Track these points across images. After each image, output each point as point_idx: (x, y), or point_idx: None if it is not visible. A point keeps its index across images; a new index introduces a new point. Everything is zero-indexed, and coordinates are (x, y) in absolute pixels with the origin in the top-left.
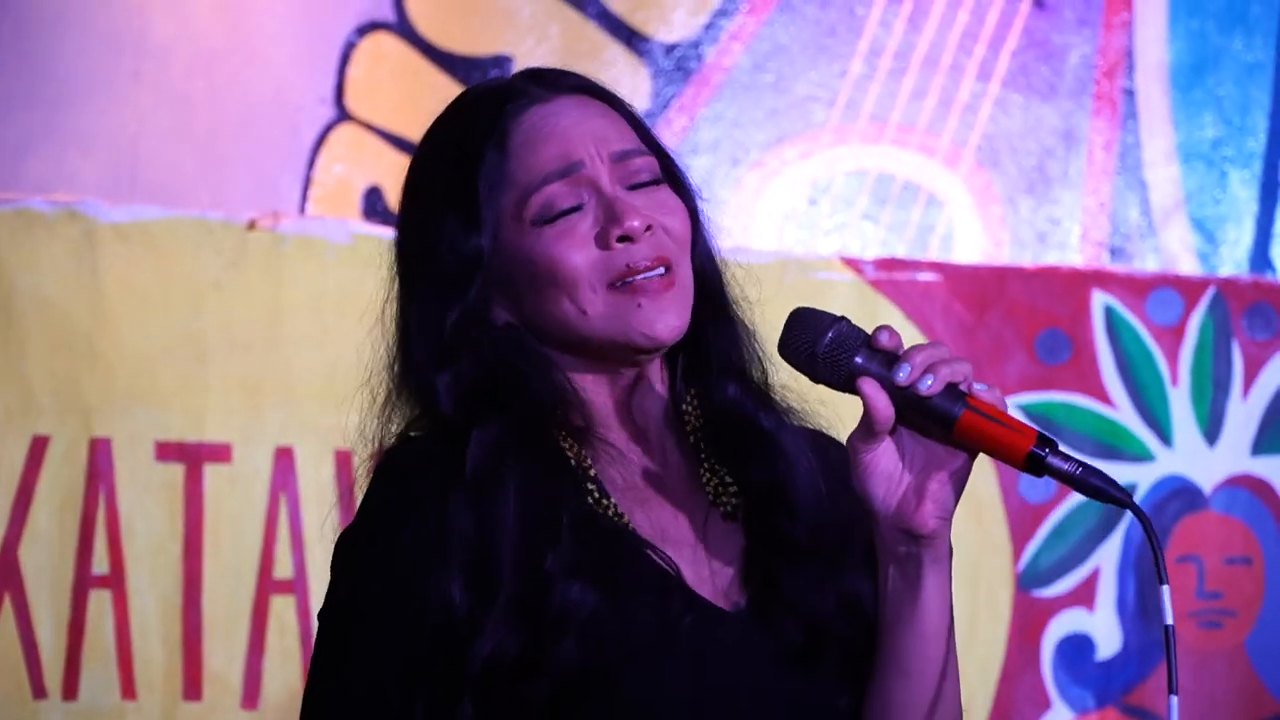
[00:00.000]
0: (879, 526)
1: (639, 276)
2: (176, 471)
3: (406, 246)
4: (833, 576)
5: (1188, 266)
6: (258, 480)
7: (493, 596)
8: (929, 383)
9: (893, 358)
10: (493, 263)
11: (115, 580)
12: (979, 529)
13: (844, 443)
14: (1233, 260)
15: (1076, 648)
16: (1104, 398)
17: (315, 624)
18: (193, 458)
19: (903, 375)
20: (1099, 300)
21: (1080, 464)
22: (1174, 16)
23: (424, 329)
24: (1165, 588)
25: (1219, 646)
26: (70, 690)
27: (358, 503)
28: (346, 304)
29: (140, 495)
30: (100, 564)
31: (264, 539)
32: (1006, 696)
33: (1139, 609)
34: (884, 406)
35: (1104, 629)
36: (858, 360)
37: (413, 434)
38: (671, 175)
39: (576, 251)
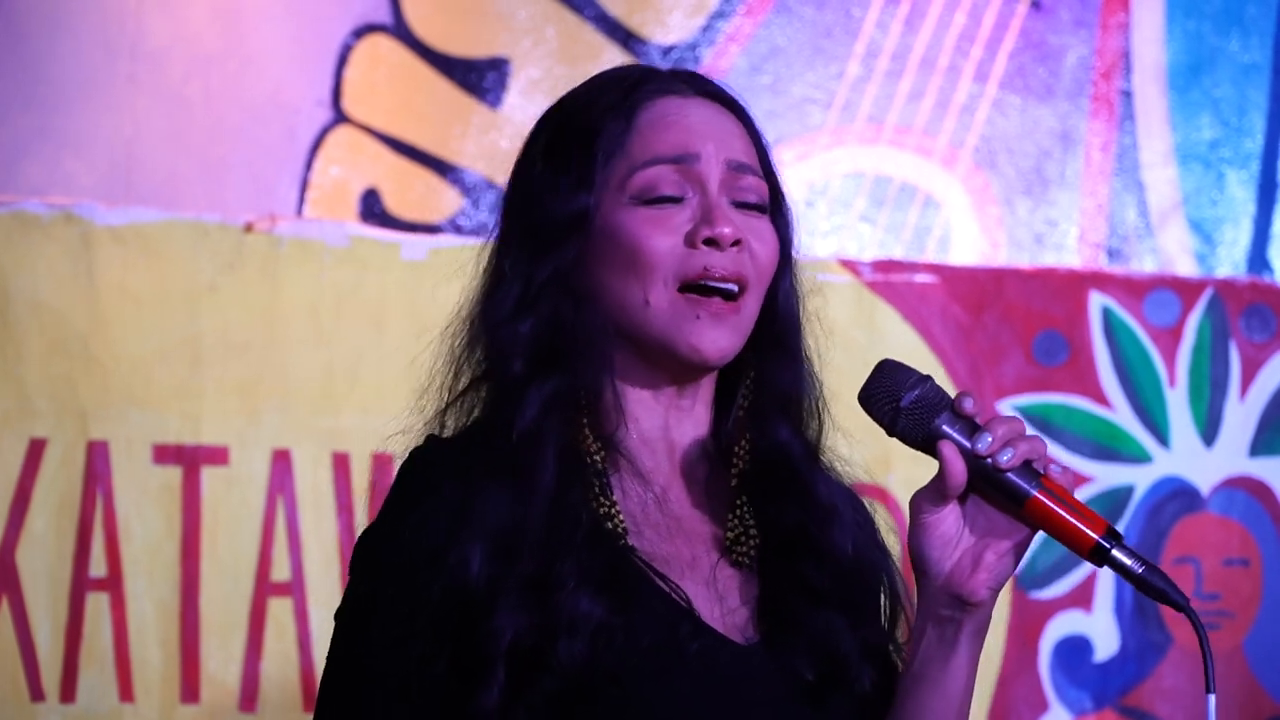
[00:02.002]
0: (927, 587)
1: (711, 282)
2: (174, 474)
3: (515, 199)
4: (850, 623)
5: (1185, 268)
6: (255, 483)
7: (511, 570)
8: (1008, 456)
9: (973, 425)
10: (590, 229)
11: (113, 583)
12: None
13: (868, 505)
14: (1230, 261)
15: (1074, 649)
16: (1101, 399)
17: (313, 626)
18: (190, 460)
19: (983, 445)
20: (1096, 301)
21: (1144, 562)
22: (1171, 18)
23: (515, 278)
24: (1212, 697)
25: (1217, 648)
26: (68, 693)
27: (365, 503)
28: (344, 306)
29: (137, 498)
30: (98, 566)
31: (261, 541)
32: (1004, 698)
33: (1136, 610)
34: (960, 472)
35: (1102, 630)
36: (940, 422)
37: (433, 435)
38: (777, 209)
39: (662, 239)
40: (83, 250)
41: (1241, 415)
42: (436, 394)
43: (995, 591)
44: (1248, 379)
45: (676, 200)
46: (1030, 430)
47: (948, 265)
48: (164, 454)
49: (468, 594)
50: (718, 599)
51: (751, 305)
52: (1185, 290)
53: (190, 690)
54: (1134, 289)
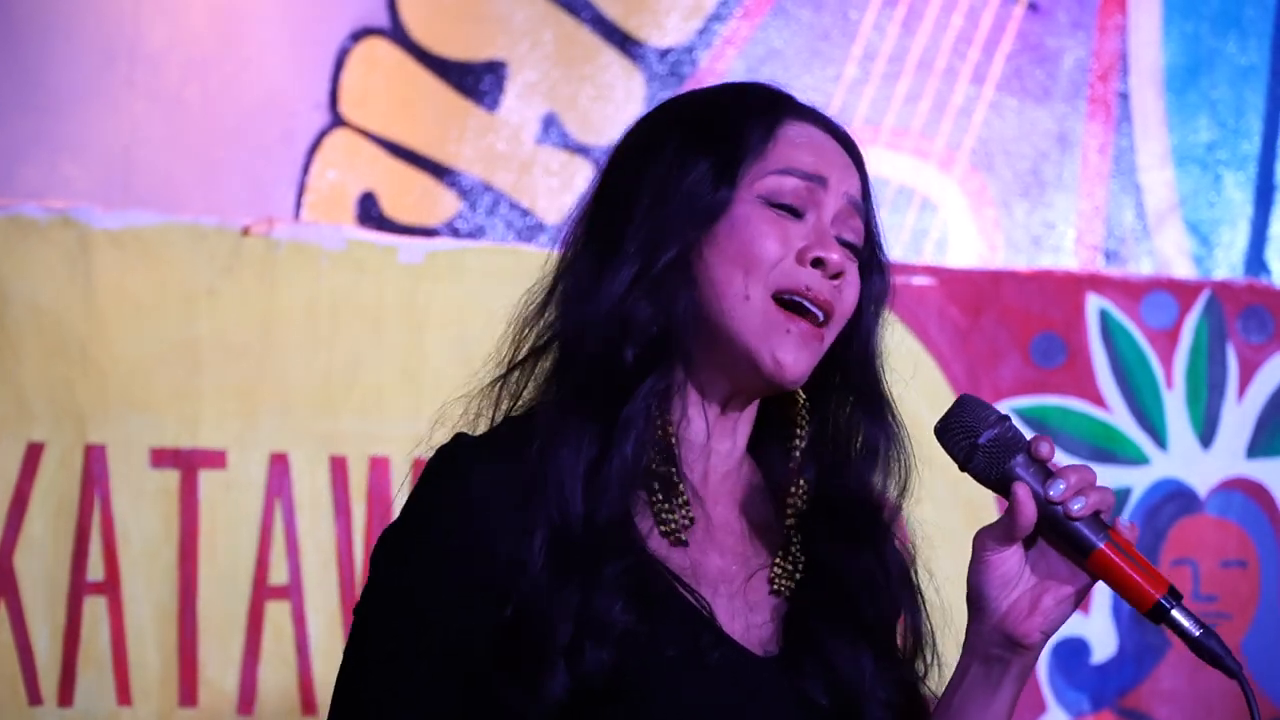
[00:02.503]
0: (980, 624)
1: (806, 301)
2: (171, 478)
3: (631, 184)
4: (870, 650)
5: (1182, 269)
6: (252, 486)
7: (563, 565)
8: (1079, 505)
9: (1046, 470)
10: (718, 218)
11: (110, 586)
12: (974, 533)
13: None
14: (1227, 263)
15: (1072, 651)
16: (1099, 401)
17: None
18: (187, 464)
19: (1055, 492)
20: (1094, 303)
21: (1202, 625)
22: (1168, 19)
23: (637, 256)
24: None
25: None
26: (66, 697)
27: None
28: (341, 309)
29: (135, 502)
30: (95, 570)
31: (259, 545)
32: None
33: (1134, 613)
34: (1030, 514)
35: (1099, 632)
36: (1014, 464)
37: (463, 432)
38: (873, 260)
39: (777, 245)
40: (80, 254)
41: (1239, 417)
42: (501, 381)
43: (1047, 636)
44: (1245, 380)
45: (798, 214)
46: (1101, 482)
47: (945, 268)
48: (162, 457)
49: (519, 586)
50: (744, 612)
51: (829, 339)
52: (1182, 292)
53: (188, 693)
54: (1131, 291)
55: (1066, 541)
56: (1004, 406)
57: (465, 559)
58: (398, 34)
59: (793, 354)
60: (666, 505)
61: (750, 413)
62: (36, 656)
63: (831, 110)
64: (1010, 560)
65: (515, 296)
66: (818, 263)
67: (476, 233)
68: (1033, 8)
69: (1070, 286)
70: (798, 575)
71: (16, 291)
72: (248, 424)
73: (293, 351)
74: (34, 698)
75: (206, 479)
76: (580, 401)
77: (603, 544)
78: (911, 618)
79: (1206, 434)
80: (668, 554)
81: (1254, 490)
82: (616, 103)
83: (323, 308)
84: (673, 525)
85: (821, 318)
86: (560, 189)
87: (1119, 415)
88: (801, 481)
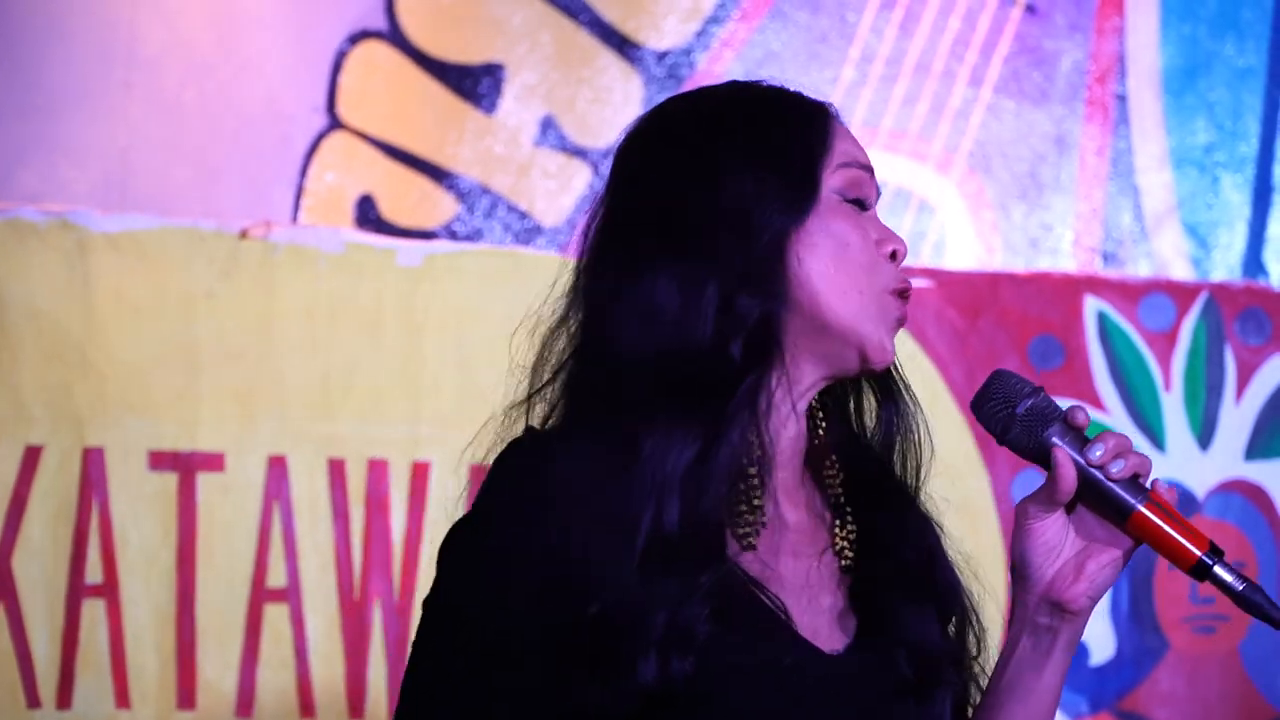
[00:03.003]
0: (1027, 594)
1: (904, 293)
2: (169, 481)
3: (712, 178)
4: (934, 612)
5: (1180, 272)
6: (251, 489)
7: (665, 558)
8: (1118, 468)
9: (1082, 438)
10: (805, 214)
11: (109, 589)
12: (973, 536)
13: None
14: (1225, 265)
15: None
16: (1097, 403)
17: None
18: (186, 467)
19: (1095, 456)
20: (1091, 306)
21: (1245, 579)
22: (1166, 21)
23: (731, 257)
24: None
25: (1212, 651)
26: (64, 700)
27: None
28: (339, 312)
29: (133, 505)
30: (94, 573)
31: (257, 548)
32: None
33: (1132, 614)
34: (1071, 479)
35: (1097, 634)
36: (1051, 431)
37: (533, 427)
38: None
39: (864, 238)
40: (78, 257)
41: (1237, 419)
42: (539, 391)
43: (1093, 602)
44: (1243, 382)
45: (865, 206)
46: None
47: (943, 270)
48: (160, 460)
49: (604, 585)
50: (814, 604)
51: None
52: (1180, 294)
53: (186, 696)
54: (1129, 293)
55: (1107, 505)
56: None
57: (546, 554)
58: (395, 37)
59: (893, 339)
60: (745, 505)
61: (807, 418)
62: (35, 659)
63: None
64: (1053, 528)
65: (514, 299)
66: (893, 255)
67: (474, 235)
68: (1030, 10)
69: (1068, 288)
70: (853, 543)
71: (14, 295)
72: (246, 427)
73: (291, 354)
74: (32, 700)
75: (205, 482)
76: (677, 402)
77: (696, 547)
78: (951, 580)
79: (1204, 436)
80: (741, 553)
81: (1252, 492)
82: (614, 105)
83: (321, 310)
84: (750, 525)
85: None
86: (558, 191)
87: (1117, 417)
88: (834, 458)
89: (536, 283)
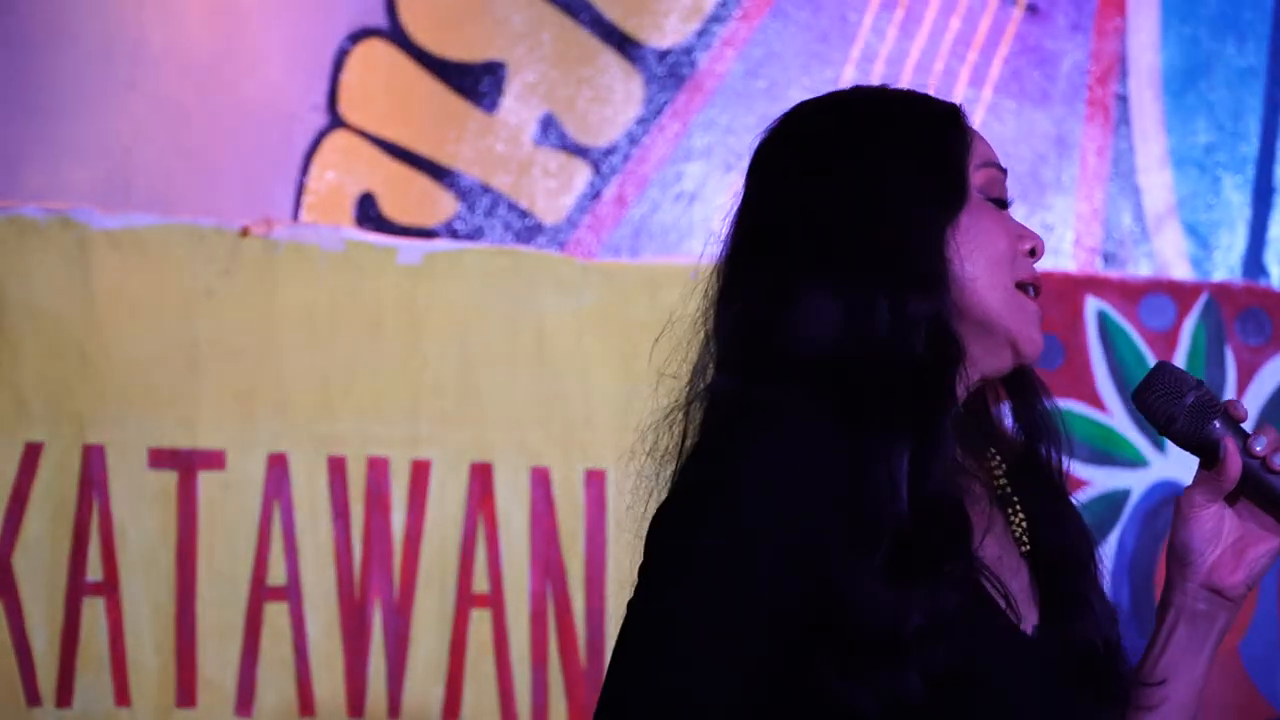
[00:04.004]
0: (1187, 581)
1: (1036, 289)
2: (170, 478)
3: (860, 184)
4: (1101, 593)
5: (1181, 272)
6: (251, 487)
7: (910, 553)
8: None
9: (1242, 430)
10: (959, 214)
11: (109, 587)
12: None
13: None
14: (1226, 265)
15: None
16: (1097, 403)
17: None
18: (186, 465)
19: (1259, 446)
20: (1092, 306)
21: None
22: (1166, 22)
23: (895, 261)
24: None
25: None
26: (64, 697)
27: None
28: (340, 310)
29: (133, 502)
30: (94, 571)
31: (257, 546)
32: None
33: (1133, 614)
34: (1237, 468)
35: None
36: (1217, 423)
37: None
38: None
39: (1008, 236)
40: (79, 255)
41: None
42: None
43: (1250, 587)
44: (1243, 383)
45: (1004, 204)
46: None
47: None
48: (160, 458)
49: (847, 577)
50: (1011, 587)
51: None
52: (1181, 294)
53: (186, 694)
54: (1129, 293)
55: (1266, 496)
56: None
57: (800, 533)
58: (396, 35)
59: (1039, 333)
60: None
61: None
62: (35, 657)
63: None
64: (1214, 517)
65: (514, 297)
66: (1031, 251)
67: (475, 234)
68: (1031, 10)
69: (1068, 288)
70: (1027, 531)
71: (15, 292)
72: (246, 425)
73: (291, 352)
74: (32, 698)
75: (205, 480)
76: (886, 403)
77: (941, 538)
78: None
79: None
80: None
81: None
82: (615, 104)
83: (321, 309)
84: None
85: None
86: (559, 190)
87: (1117, 417)
88: (994, 451)
89: (537, 281)
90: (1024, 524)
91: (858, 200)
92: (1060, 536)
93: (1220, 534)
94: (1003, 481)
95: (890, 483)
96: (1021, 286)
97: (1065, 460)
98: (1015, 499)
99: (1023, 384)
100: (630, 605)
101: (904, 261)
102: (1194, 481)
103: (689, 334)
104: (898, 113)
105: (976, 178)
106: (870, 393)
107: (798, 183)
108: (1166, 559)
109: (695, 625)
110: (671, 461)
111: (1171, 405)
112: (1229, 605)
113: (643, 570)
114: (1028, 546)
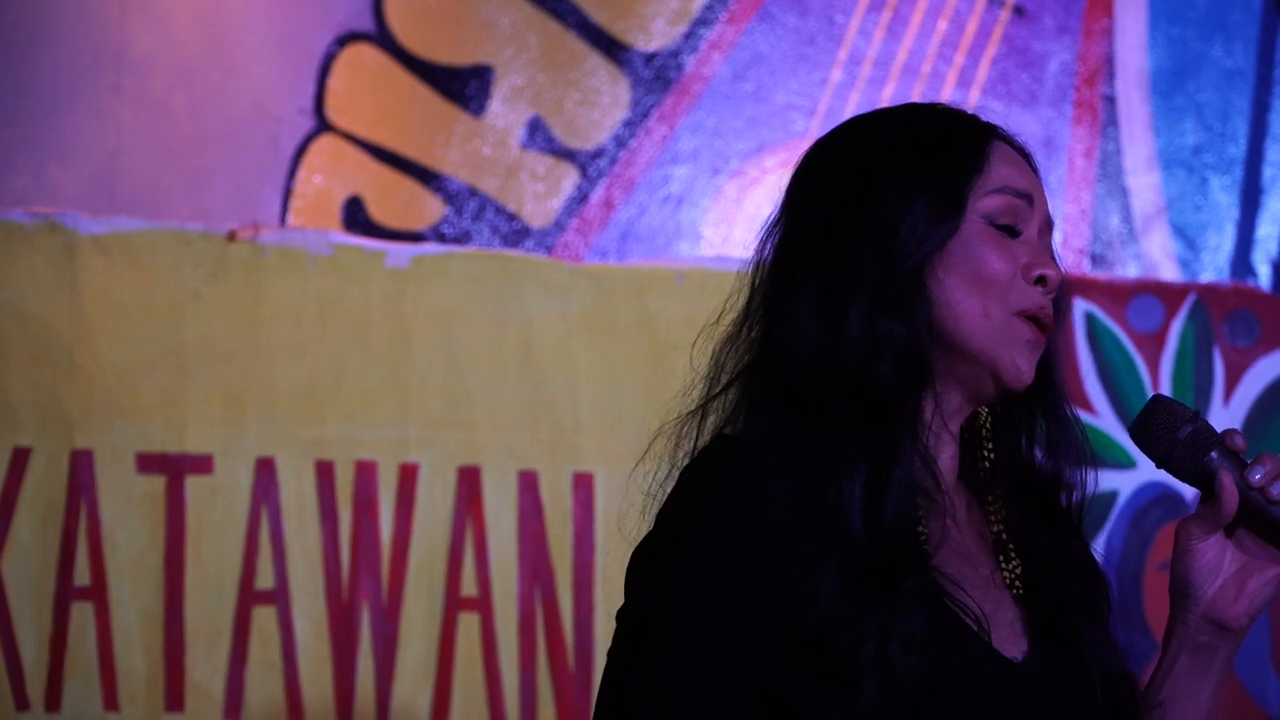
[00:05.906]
0: (1188, 613)
1: (1040, 318)
2: (158, 483)
3: (862, 201)
4: (1107, 631)
5: (1169, 273)
6: (239, 491)
7: (866, 574)
8: (1279, 489)
9: (1241, 460)
10: (950, 238)
11: (97, 592)
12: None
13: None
14: (1214, 267)
15: None
16: (1085, 404)
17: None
18: (174, 469)
19: (1257, 477)
20: (1080, 307)
21: None
22: (1154, 23)
23: (875, 278)
24: None
25: None
26: (53, 702)
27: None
28: (327, 315)
29: (122, 507)
30: (82, 576)
31: (245, 550)
32: None
33: (1122, 616)
34: (1234, 501)
35: None
36: (1214, 455)
37: (728, 432)
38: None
39: (1008, 264)
40: (66, 260)
41: (1225, 421)
42: (703, 407)
43: (1253, 619)
44: (1231, 384)
45: (1016, 233)
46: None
47: None
48: (148, 463)
49: (818, 596)
50: (993, 614)
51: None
52: (1169, 296)
53: (175, 699)
54: (1117, 294)
55: (1265, 526)
56: None
57: (770, 556)
58: (383, 39)
59: (1028, 361)
60: (923, 518)
61: (957, 423)
62: (23, 662)
63: (817, 114)
64: (1214, 548)
65: (501, 301)
66: (1040, 280)
67: (462, 237)
68: (1019, 12)
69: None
70: (1017, 566)
71: (2, 297)
72: (234, 429)
73: (279, 356)
74: (21, 703)
75: (193, 484)
76: (845, 422)
77: (897, 559)
78: (1110, 604)
79: None
80: (938, 563)
81: None
82: (602, 107)
83: (309, 313)
84: (930, 537)
85: (1045, 330)
86: (546, 193)
87: (1105, 419)
88: (997, 494)
89: (524, 285)
90: (1017, 571)
91: (847, 216)
92: (1067, 584)
93: (1220, 566)
94: (998, 529)
95: (845, 505)
96: (1024, 314)
97: (1089, 483)
98: (1011, 546)
99: (1044, 405)
100: (610, 653)
101: (882, 281)
102: (1193, 513)
103: (705, 341)
104: (912, 132)
105: (985, 203)
106: (831, 412)
107: (808, 196)
108: (1169, 590)
109: (679, 663)
110: (673, 466)
111: (1168, 440)
112: (1231, 636)
113: (621, 614)
114: (1020, 590)
